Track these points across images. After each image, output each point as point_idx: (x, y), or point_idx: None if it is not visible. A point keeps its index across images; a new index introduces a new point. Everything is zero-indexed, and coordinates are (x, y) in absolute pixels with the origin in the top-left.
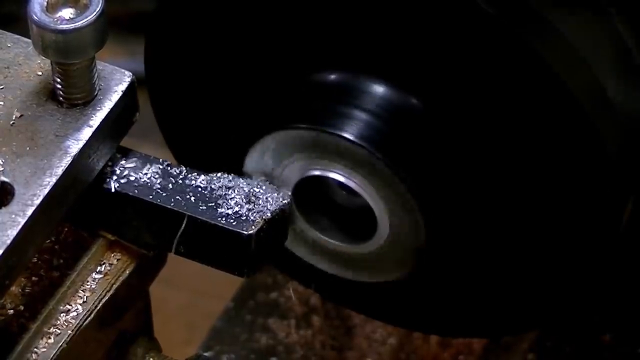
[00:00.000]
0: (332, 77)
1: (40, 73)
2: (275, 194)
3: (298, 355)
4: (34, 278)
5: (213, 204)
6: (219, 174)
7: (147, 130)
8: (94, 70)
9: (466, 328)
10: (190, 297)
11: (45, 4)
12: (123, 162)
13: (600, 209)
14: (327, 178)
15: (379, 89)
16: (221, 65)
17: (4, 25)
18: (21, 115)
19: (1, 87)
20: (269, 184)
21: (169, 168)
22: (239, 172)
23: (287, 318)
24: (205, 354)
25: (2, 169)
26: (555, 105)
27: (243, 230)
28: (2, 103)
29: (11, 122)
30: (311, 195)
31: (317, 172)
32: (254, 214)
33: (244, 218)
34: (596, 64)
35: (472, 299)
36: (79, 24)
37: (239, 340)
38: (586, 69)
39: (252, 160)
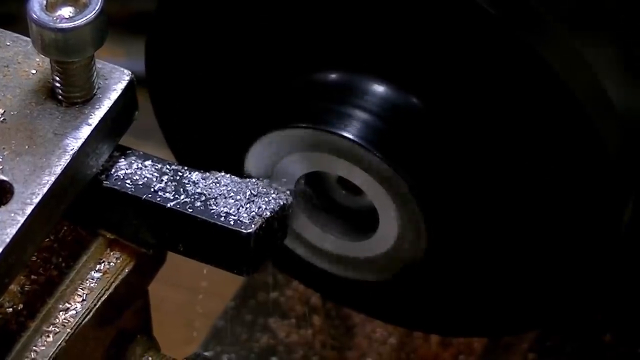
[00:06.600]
0: (333, 76)
1: (39, 71)
2: (275, 193)
3: (298, 355)
4: (33, 276)
5: (212, 202)
6: (218, 173)
7: (148, 130)
8: (93, 68)
9: (467, 328)
10: (189, 296)
11: (45, 2)
12: (122, 160)
13: (601, 209)
14: (327, 177)
15: (379, 88)
16: (221, 64)
17: (3, 25)
18: (20, 114)
19: (0, 85)
20: (269, 183)
21: (168, 166)
22: (240, 171)
23: (287, 318)
24: (205, 353)
25: (1, 167)
26: (556, 106)
27: (242, 228)
28: (1, 101)
29: (10, 121)
30: (311, 194)
31: (317, 170)
32: (253, 213)
33: (243, 217)
34: (596, 62)
35: (473, 299)
36: (78, 22)
37: (239, 340)
38: (587, 69)
39: (253, 159)
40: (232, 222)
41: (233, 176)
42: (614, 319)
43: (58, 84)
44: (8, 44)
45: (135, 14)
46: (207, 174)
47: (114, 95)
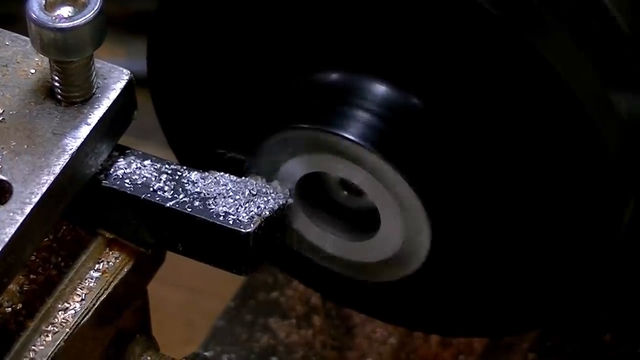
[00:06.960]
0: (334, 76)
1: (38, 71)
2: (274, 193)
3: (298, 355)
4: (32, 276)
5: (211, 202)
6: (217, 172)
7: (148, 130)
8: (92, 68)
9: (467, 328)
10: (189, 296)
11: (44, 2)
12: (121, 160)
13: (602, 209)
14: (329, 178)
15: (380, 88)
16: (223, 65)
17: (3, 25)
18: (19, 113)
19: None
20: (269, 182)
21: (167, 166)
22: (241, 171)
23: (287, 318)
24: (205, 353)
25: (0, 167)
26: (557, 106)
27: (241, 228)
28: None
29: (9, 120)
30: (313, 195)
31: (318, 171)
32: (253, 212)
33: (242, 216)
34: (597, 63)
35: (473, 299)
36: (77, 22)
37: (240, 340)
38: (588, 70)
39: (254, 159)
40: (231, 222)
41: (232, 176)
42: (614, 319)
43: (57, 84)
44: (7, 43)
45: (135, 14)
46: (207, 173)
47: (113, 95)
